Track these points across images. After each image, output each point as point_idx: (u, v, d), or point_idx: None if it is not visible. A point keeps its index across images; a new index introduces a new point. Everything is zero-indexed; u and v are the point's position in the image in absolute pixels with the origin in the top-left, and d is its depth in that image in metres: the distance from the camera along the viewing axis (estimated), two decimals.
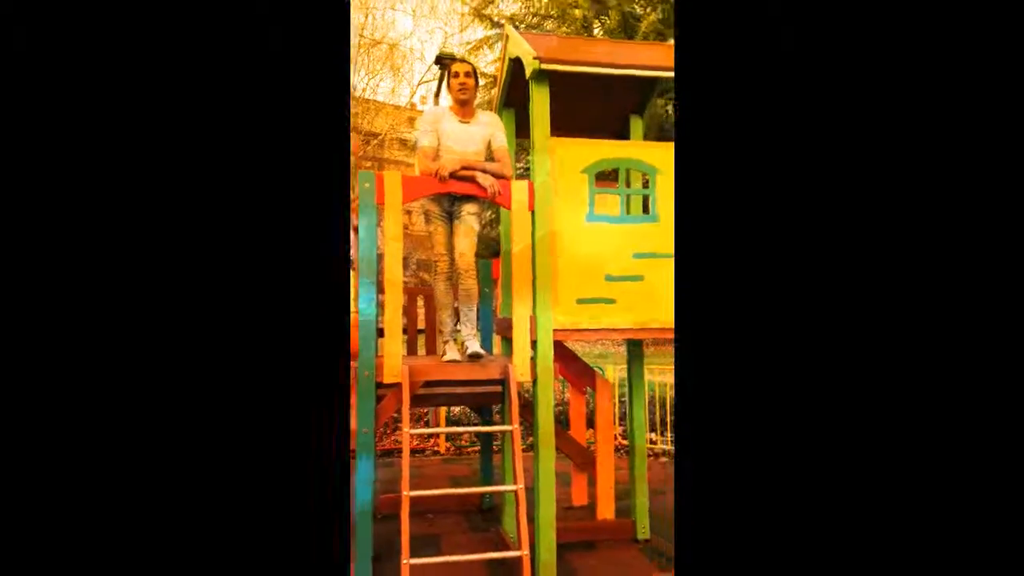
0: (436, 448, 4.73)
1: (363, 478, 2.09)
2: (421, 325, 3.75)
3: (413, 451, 4.64)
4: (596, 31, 8.58)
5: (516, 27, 8.57)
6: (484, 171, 2.40)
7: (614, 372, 4.98)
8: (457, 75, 2.50)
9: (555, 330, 2.33)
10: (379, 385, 2.22)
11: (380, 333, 2.33)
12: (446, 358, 2.43)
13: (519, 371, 2.30)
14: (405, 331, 3.56)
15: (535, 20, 8.72)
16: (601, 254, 2.40)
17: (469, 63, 2.58)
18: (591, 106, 2.92)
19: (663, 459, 4.51)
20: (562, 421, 4.66)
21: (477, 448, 4.58)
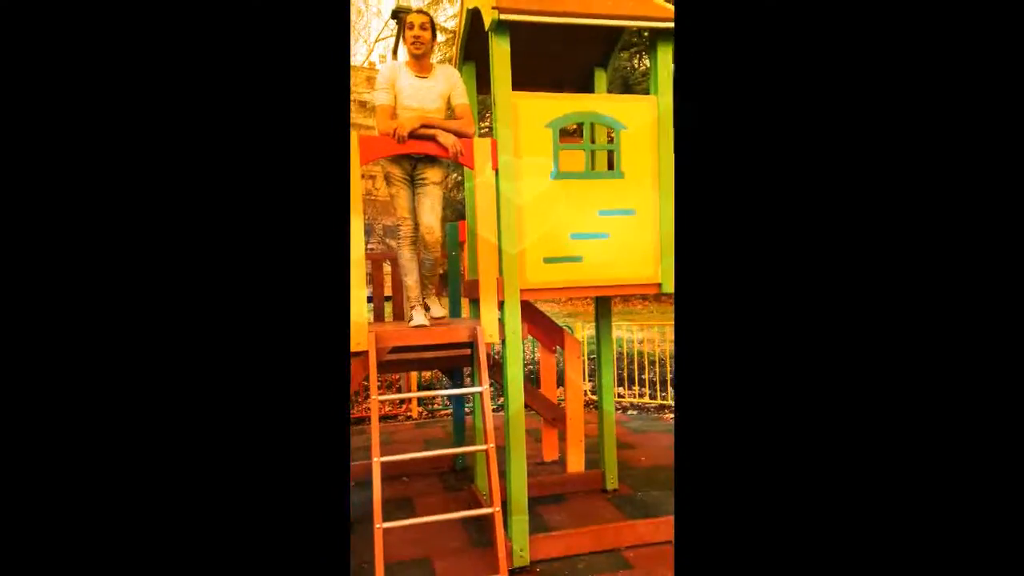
0: (409, 413, 4.74)
1: None
2: (388, 292, 3.68)
3: (386, 417, 4.65)
4: None
5: None
6: (445, 129, 2.32)
7: (583, 330, 5.05)
8: (412, 26, 2.37)
9: (522, 290, 2.32)
10: None
11: None
12: (413, 323, 2.41)
13: (487, 333, 2.29)
14: (371, 299, 3.49)
15: None
16: (566, 212, 2.38)
17: (425, 14, 2.44)
18: (554, 59, 2.84)
19: (631, 412, 4.64)
20: (532, 379, 4.72)
21: (450, 412, 4.62)
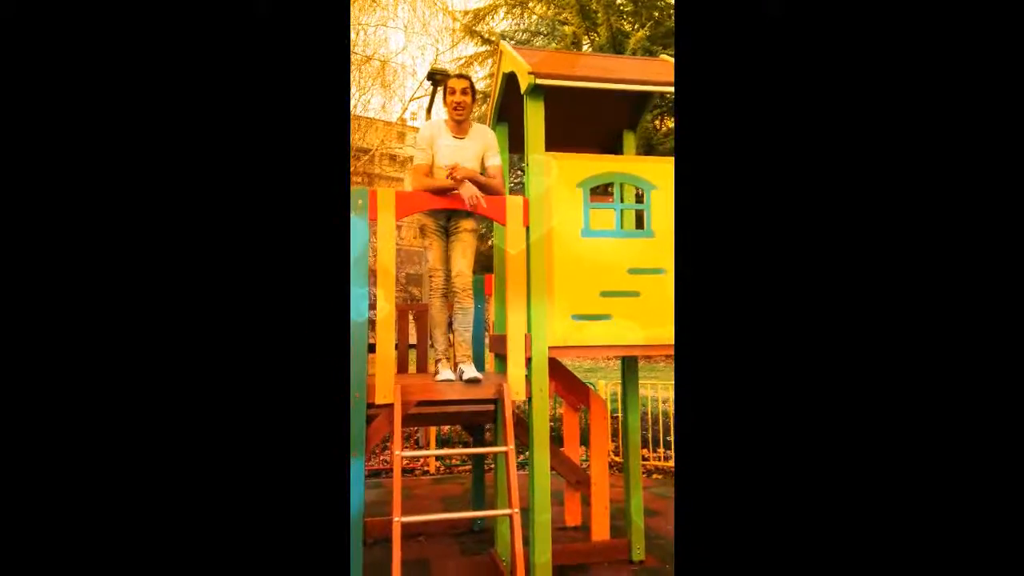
0: (426, 468, 4.63)
1: (356, 509, 2.01)
2: (412, 340, 3.68)
3: (403, 471, 4.53)
4: (585, 47, 8.67)
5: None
6: (479, 184, 2.34)
7: (606, 387, 4.93)
8: (454, 92, 2.44)
9: (550, 347, 2.29)
10: (370, 406, 2.15)
11: (371, 348, 2.27)
12: (439, 377, 2.37)
13: (514, 390, 2.25)
14: (396, 346, 3.47)
15: (525, 36, 8.80)
16: (596, 270, 2.37)
17: (466, 78, 2.52)
18: (585, 121, 2.91)
19: (655, 476, 4.45)
20: (555, 438, 4.59)
21: (468, 467, 4.49)
